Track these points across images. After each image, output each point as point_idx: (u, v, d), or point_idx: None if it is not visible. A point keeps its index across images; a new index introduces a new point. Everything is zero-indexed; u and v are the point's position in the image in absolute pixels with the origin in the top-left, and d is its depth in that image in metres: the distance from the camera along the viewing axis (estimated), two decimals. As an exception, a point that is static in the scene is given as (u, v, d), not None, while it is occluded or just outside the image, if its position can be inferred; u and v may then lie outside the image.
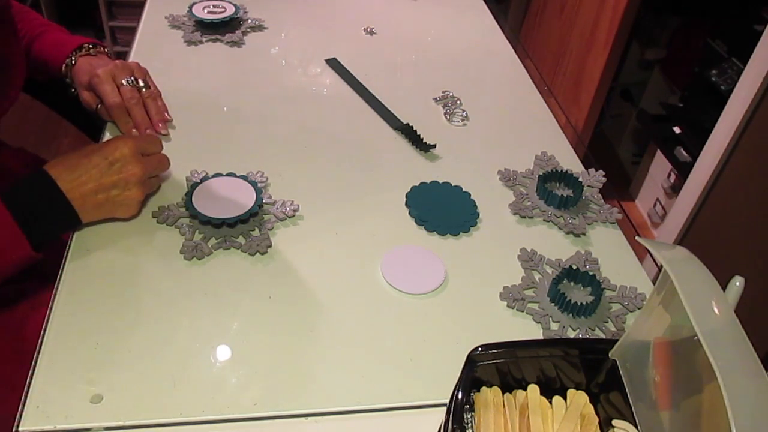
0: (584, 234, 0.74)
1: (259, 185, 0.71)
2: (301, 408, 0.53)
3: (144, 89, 0.81)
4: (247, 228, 0.68)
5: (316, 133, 0.85)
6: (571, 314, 0.63)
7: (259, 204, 0.68)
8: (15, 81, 0.75)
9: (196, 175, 0.74)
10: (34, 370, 0.52)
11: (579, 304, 0.62)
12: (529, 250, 0.70)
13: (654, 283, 0.47)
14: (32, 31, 0.86)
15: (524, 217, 0.75)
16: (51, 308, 0.57)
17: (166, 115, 0.83)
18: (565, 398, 0.49)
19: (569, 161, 0.85)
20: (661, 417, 0.44)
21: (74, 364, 0.53)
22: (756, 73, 1.31)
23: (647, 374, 0.46)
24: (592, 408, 0.48)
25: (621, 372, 0.49)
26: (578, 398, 0.48)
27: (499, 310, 0.64)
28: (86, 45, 0.84)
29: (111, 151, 0.63)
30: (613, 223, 0.76)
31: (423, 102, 0.95)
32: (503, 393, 0.48)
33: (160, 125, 0.81)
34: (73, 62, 0.82)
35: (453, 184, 0.78)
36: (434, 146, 0.84)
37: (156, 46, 1.00)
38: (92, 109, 0.82)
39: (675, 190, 1.80)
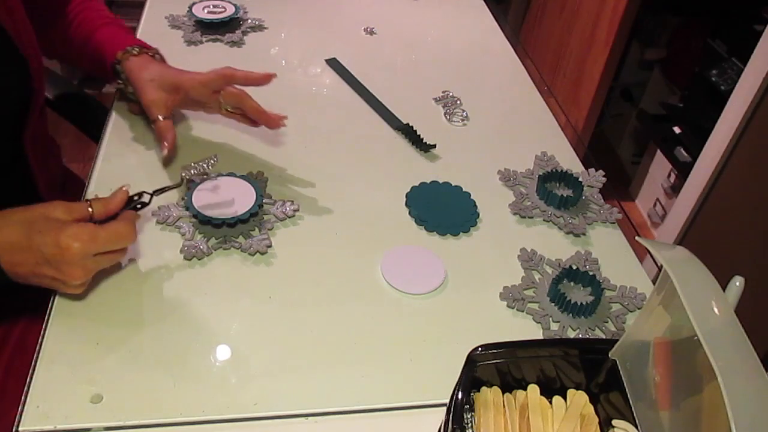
0: (584, 234, 0.74)
1: (259, 185, 0.71)
2: (301, 408, 0.53)
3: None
4: (247, 228, 0.68)
5: (316, 133, 0.85)
6: (571, 314, 0.63)
7: (259, 204, 0.68)
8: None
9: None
10: (34, 370, 0.52)
11: (579, 304, 0.62)
12: (529, 250, 0.70)
13: (654, 283, 0.47)
14: (94, 22, 0.82)
15: (524, 217, 0.75)
16: (51, 308, 0.57)
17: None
18: (565, 398, 0.49)
19: (569, 161, 0.85)
20: (661, 417, 0.44)
21: (74, 364, 0.53)
22: (756, 73, 1.31)
23: (647, 374, 0.46)
24: (592, 408, 0.48)
25: (621, 372, 0.49)
26: (578, 398, 0.48)
27: (499, 310, 0.64)
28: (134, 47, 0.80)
29: (55, 243, 0.52)
30: (613, 223, 0.76)
31: (423, 102, 0.95)
32: (503, 393, 0.48)
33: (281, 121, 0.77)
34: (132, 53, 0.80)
35: (453, 184, 0.78)
36: (434, 146, 0.84)
37: (156, 46, 1.00)
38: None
39: (675, 190, 1.80)
